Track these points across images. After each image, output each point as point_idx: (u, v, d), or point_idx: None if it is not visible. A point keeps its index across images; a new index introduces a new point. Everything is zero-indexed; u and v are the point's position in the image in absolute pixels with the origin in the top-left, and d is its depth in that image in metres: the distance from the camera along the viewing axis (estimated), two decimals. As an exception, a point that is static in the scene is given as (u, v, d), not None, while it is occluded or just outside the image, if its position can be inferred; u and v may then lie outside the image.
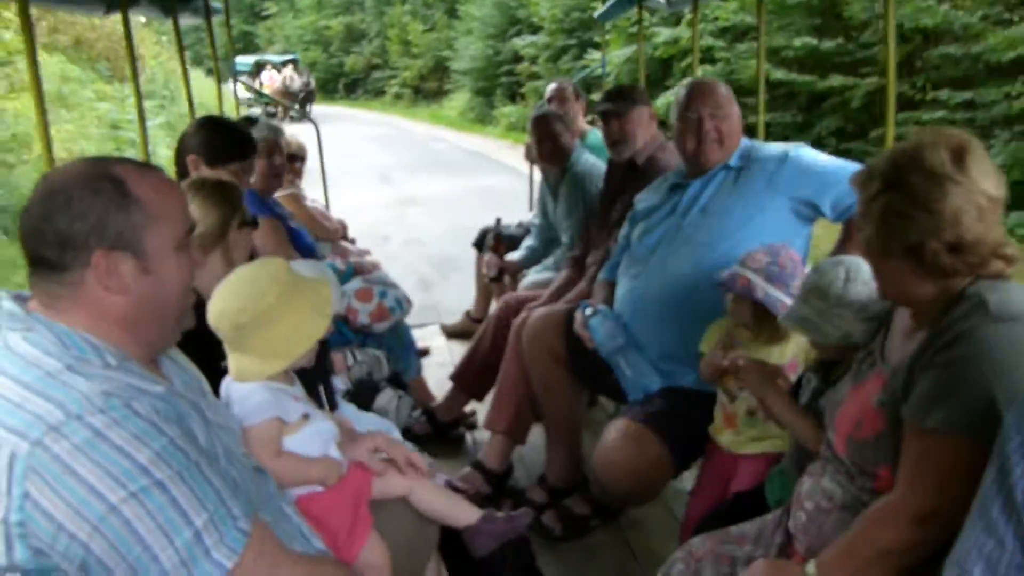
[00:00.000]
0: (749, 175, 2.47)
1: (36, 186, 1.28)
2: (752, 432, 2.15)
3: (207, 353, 1.62)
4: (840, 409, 1.50)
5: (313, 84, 26.40)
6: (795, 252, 2.23)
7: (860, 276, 1.73)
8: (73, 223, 1.22)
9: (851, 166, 2.42)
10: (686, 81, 2.85)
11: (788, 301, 2.04)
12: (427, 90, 28.06)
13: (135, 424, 1.14)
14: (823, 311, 1.74)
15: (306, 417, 1.73)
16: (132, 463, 1.12)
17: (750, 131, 2.78)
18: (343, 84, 36.28)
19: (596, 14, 5.50)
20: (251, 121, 3.40)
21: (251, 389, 1.66)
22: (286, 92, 23.48)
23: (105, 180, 1.24)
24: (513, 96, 19.21)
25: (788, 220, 2.44)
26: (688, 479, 2.58)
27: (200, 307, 1.51)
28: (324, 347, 2.24)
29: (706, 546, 1.68)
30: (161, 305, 1.31)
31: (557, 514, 2.79)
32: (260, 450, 1.61)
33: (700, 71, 4.00)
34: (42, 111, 2.39)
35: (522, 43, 18.31)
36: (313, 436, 1.74)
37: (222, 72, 5.43)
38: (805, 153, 2.48)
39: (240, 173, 2.65)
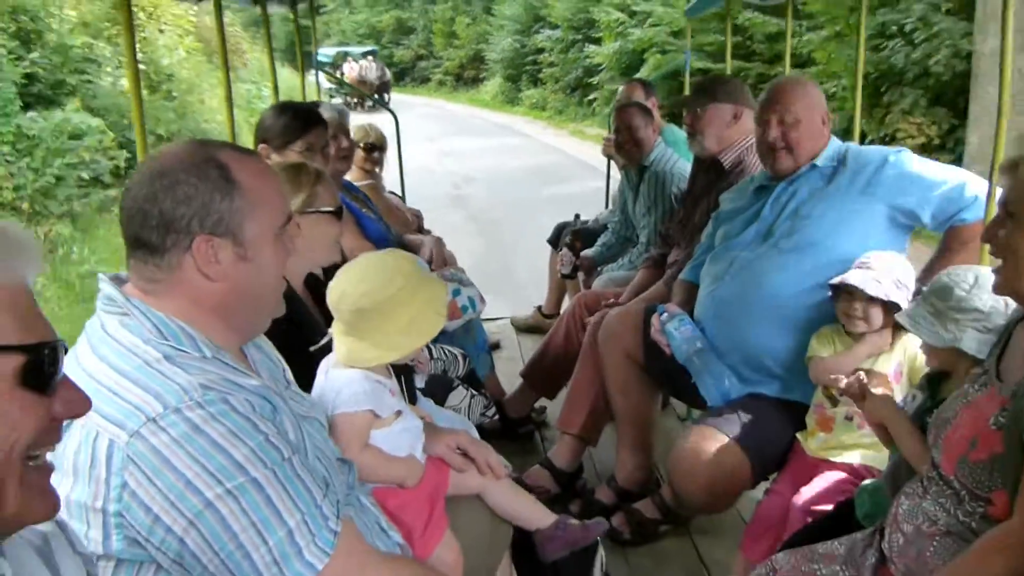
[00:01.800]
0: (844, 178, 2.38)
1: (140, 166, 1.30)
2: (845, 438, 2.11)
3: (294, 339, 1.63)
4: (949, 428, 1.42)
5: (389, 76, 27.59)
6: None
7: (988, 286, 1.66)
8: (178, 206, 1.22)
9: (955, 172, 2.32)
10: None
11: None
12: (466, 77, 32.35)
13: (232, 420, 1.15)
14: (941, 312, 1.70)
15: (399, 414, 1.72)
16: (229, 459, 1.12)
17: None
18: (392, 73, 38.86)
19: (686, 9, 5.37)
20: (315, 105, 3.45)
21: (351, 378, 1.65)
22: (363, 82, 24.04)
23: (211, 165, 1.25)
24: (535, 82, 24.07)
25: (884, 227, 2.34)
26: (762, 488, 2.51)
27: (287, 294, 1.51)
28: None
29: (790, 563, 1.62)
30: (257, 293, 1.32)
31: (626, 517, 2.75)
32: (347, 441, 1.61)
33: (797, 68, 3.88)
34: (137, 89, 2.45)
35: (541, 38, 22.75)
36: (402, 434, 1.73)
37: (306, 62, 5.51)
38: (906, 158, 2.37)
39: (308, 153, 2.67)
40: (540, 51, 23.10)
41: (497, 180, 11.95)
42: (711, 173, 3.15)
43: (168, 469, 1.10)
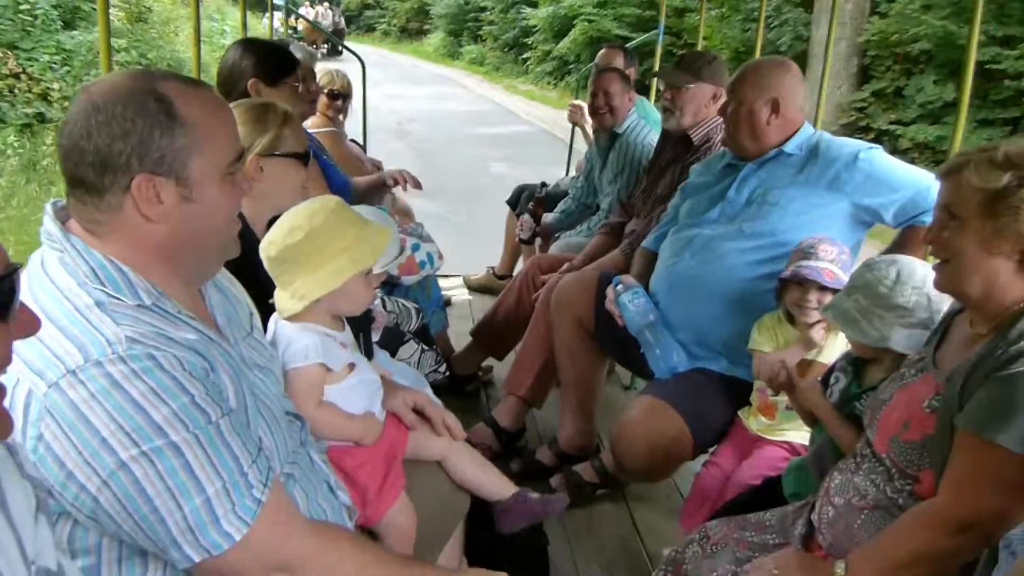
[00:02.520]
0: (813, 169, 2.39)
1: (76, 98, 1.19)
2: (786, 425, 2.16)
3: (252, 290, 1.59)
4: (885, 409, 1.49)
5: (343, 22, 26.98)
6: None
7: (912, 280, 1.69)
8: (114, 143, 1.14)
9: (922, 175, 2.36)
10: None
11: None
12: (411, 29, 33.21)
13: (155, 378, 1.09)
14: (865, 309, 1.71)
15: (351, 367, 1.68)
16: (147, 420, 1.07)
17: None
18: (340, 19, 39.11)
19: None
20: (285, 44, 3.38)
21: (297, 331, 1.61)
22: (314, 29, 23.26)
23: (151, 98, 1.15)
24: (476, 38, 25.19)
25: (846, 222, 2.37)
26: (699, 460, 2.59)
27: (245, 236, 1.46)
28: None
29: (722, 531, 1.69)
30: (203, 235, 1.24)
31: (564, 479, 2.80)
32: (301, 397, 1.56)
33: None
34: (107, 21, 2.36)
35: None
36: (357, 387, 1.69)
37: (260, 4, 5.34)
38: (877, 157, 2.38)
39: (296, 90, 2.64)
40: (482, 9, 24.27)
41: (435, 120, 13.66)
42: (679, 147, 3.17)
43: (83, 425, 1.05)
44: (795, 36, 11.47)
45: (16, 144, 7.95)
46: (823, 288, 2.09)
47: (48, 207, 1.22)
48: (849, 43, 10.19)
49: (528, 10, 20.13)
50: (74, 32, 9.91)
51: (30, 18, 9.29)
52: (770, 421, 2.19)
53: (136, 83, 1.18)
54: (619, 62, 4.42)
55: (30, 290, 1.14)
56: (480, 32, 24.73)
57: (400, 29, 33.65)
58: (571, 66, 17.48)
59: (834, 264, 2.10)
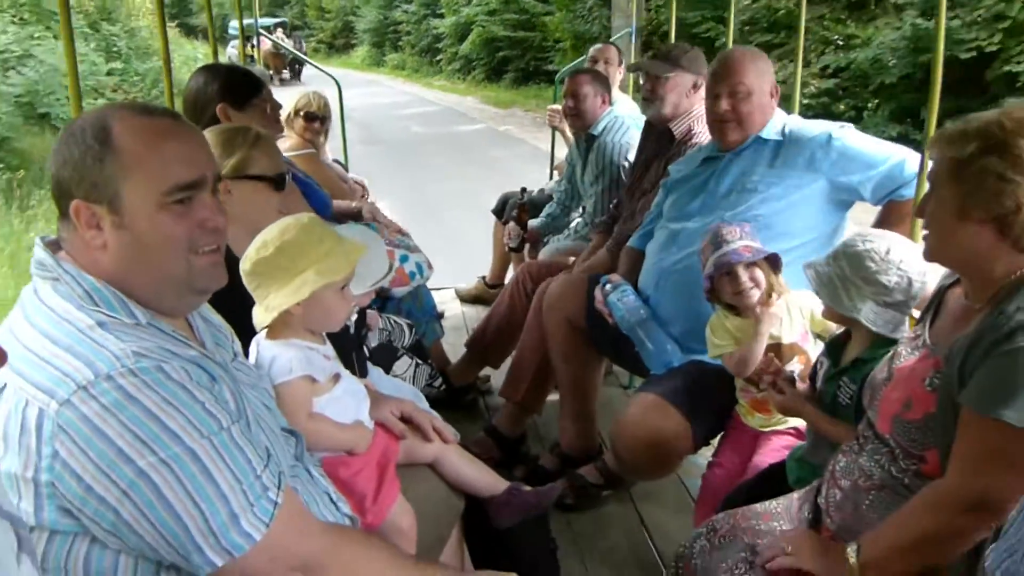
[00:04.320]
0: (788, 153, 2.41)
1: None
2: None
3: (240, 315, 1.59)
4: (885, 389, 1.48)
5: (304, 47, 28.72)
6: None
7: (899, 260, 1.71)
8: (60, 169, 1.19)
9: (896, 149, 2.37)
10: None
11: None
12: (338, 45, 38.39)
13: (166, 388, 1.11)
14: (845, 278, 1.74)
15: (337, 377, 1.70)
16: (163, 428, 1.09)
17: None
18: (269, 42, 43.25)
19: None
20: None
21: (280, 347, 1.63)
22: (276, 55, 23.30)
23: (90, 127, 1.18)
24: (396, 47, 31.09)
25: (824, 202, 2.39)
26: (701, 454, 2.58)
27: (231, 264, 1.46)
28: (360, 315, 2.20)
29: (730, 523, 1.67)
30: (143, 263, 1.21)
31: (569, 483, 2.78)
32: (292, 411, 1.58)
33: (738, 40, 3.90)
34: (72, 54, 2.34)
35: (399, 12, 30.02)
36: (346, 398, 1.71)
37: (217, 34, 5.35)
38: (849, 135, 2.40)
39: (265, 112, 2.63)
40: (399, 23, 30.16)
41: (370, 108, 17.22)
42: (661, 141, 3.17)
43: (99, 438, 1.07)
44: (602, 28, 15.11)
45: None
46: (749, 265, 2.10)
47: (38, 240, 1.24)
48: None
49: (436, 20, 25.65)
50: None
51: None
52: (767, 416, 2.18)
53: (96, 113, 1.22)
54: (612, 56, 4.42)
55: (27, 319, 1.17)
56: (399, 42, 30.44)
57: (328, 46, 38.58)
58: (473, 63, 22.85)
59: (743, 240, 2.11)
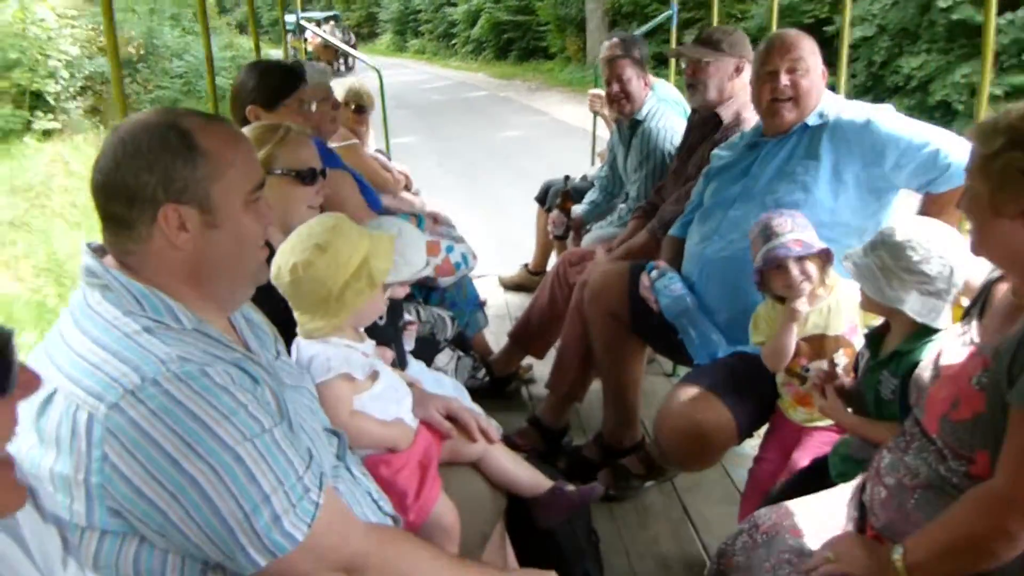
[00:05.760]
0: (828, 137, 2.34)
1: (106, 139, 1.26)
2: None
3: (276, 314, 1.61)
4: (932, 388, 1.44)
5: (354, 39, 30.13)
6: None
7: (938, 246, 1.67)
8: (140, 175, 1.20)
9: (936, 135, 2.28)
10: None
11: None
12: (363, 33, 41.54)
13: (210, 392, 1.14)
14: (888, 268, 1.69)
15: (375, 374, 1.71)
16: (208, 432, 1.12)
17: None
18: (300, 31, 47.73)
19: None
20: (299, 64, 3.39)
21: (318, 348, 1.65)
22: (327, 48, 23.90)
23: (172, 131, 1.22)
24: (417, 33, 35.79)
25: (864, 188, 2.32)
26: (747, 444, 2.55)
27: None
28: (397, 306, 2.21)
29: (772, 518, 1.65)
30: (230, 261, 1.29)
31: (612, 473, 2.78)
32: (333, 409, 1.59)
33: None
34: (117, 61, 2.41)
35: (418, 1, 34.68)
36: (387, 394, 1.72)
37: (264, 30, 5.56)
38: (888, 118, 2.32)
39: (299, 110, 2.64)
40: (418, 11, 35.12)
41: (398, 85, 19.47)
42: (707, 126, 3.11)
43: (147, 441, 1.10)
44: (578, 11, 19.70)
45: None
46: (800, 259, 2.05)
47: (84, 247, 1.27)
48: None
49: (451, 9, 30.15)
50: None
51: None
52: (810, 410, 2.13)
53: (159, 119, 1.25)
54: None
55: (76, 325, 1.20)
56: (419, 29, 35.31)
57: (355, 34, 40.23)
58: (483, 44, 26.79)
59: (794, 232, 2.06)
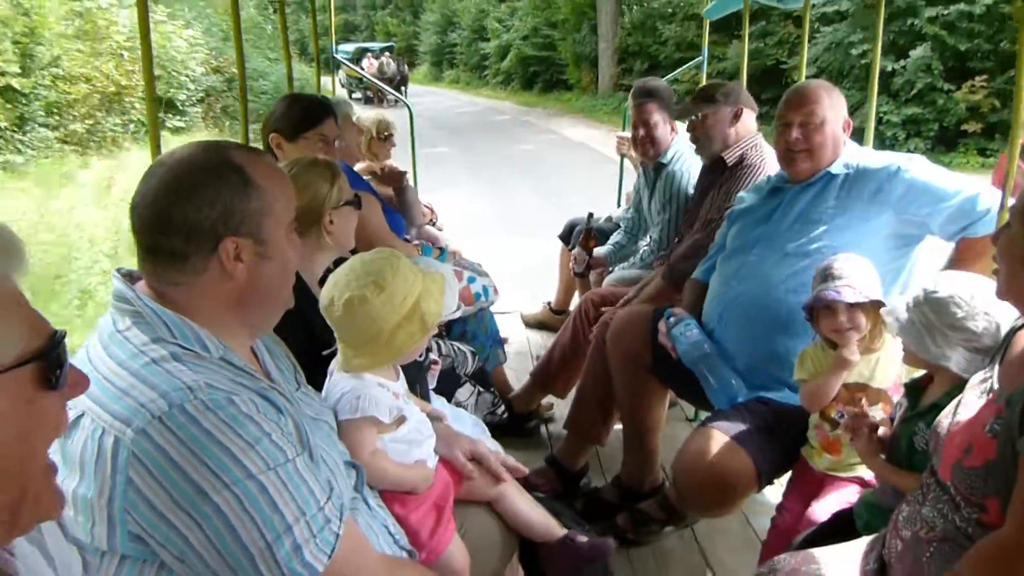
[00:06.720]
0: (854, 185, 2.35)
1: (151, 174, 1.28)
2: (854, 460, 2.05)
3: (305, 343, 1.63)
4: (948, 435, 1.42)
5: (407, 70, 30.83)
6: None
7: (983, 302, 1.64)
8: (201, 210, 1.24)
9: (969, 183, 2.29)
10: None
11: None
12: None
13: (236, 421, 1.16)
14: (931, 325, 1.67)
15: (402, 419, 1.69)
16: (232, 459, 1.13)
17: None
18: (345, 63, 51.47)
19: (704, 11, 5.34)
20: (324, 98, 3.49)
21: (351, 385, 1.65)
22: (382, 77, 25.15)
23: (229, 168, 1.27)
24: (452, 65, 39.65)
25: (891, 236, 2.32)
26: (768, 492, 2.51)
27: (299, 289, 1.52)
28: None
29: (791, 564, 1.62)
30: (274, 289, 1.35)
31: (631, 517, 2.75)
32: (354, 447, 1.60)
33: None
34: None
35: (453, 36, 38.03)
36: (409, 438, 1.71)
37: (324, 58, 5.75)
38: (918, 166, 2.33)
39: (322, 143, 2.71)
40: (454, 45, 38.35)
41: (435, 109, 24.01)
42: (715, 171, 3.17)
43: (172, 468, 1.11)
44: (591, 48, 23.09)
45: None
46: (851, 306, 2.02)
47: (115, 273, 1.31)
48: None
49: (483, 43, 33.57)
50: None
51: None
52: (837, 458, 2.10)
53: (210, 155, 1.30)
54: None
55: (105, 350, 1.23)
56: (455, 60, 38.81)
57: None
58: (512, 76, 29.95)
59: (852, 278, 2.03)
